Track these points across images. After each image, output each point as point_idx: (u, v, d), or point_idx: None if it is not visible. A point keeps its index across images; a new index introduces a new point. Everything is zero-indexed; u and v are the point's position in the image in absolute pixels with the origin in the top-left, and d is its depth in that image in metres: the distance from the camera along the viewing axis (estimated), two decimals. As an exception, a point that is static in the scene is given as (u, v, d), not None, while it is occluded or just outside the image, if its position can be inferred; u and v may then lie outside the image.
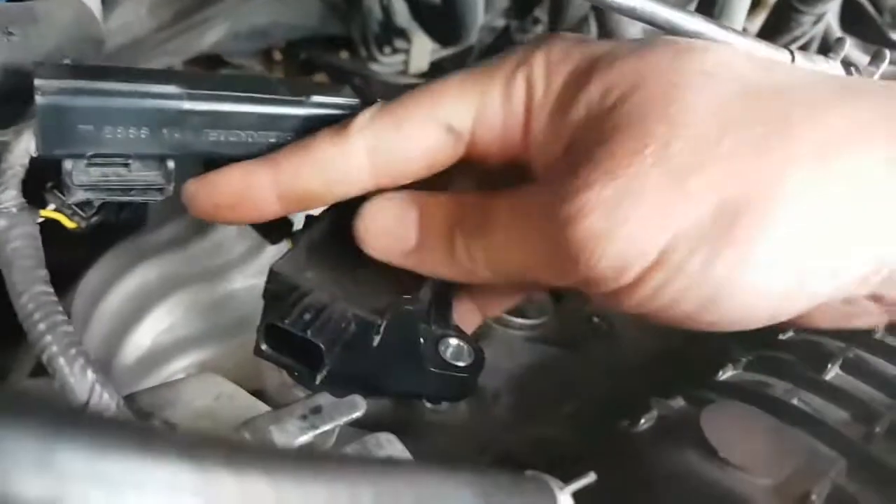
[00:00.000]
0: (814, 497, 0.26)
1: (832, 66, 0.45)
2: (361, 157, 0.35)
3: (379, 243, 0.35)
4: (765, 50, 0.39)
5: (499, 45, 0.93)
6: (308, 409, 0.31)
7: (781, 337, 0.38)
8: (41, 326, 0.33)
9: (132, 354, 0.56)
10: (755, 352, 0.36)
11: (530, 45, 0.34)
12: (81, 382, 0.33)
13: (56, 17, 0.42)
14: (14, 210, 0.35)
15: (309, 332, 0.32)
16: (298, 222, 0.41)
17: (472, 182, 0.39)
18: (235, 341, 0.56)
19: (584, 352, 0.51)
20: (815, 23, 0.78)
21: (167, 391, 0.38)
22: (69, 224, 0.39)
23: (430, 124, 0.34)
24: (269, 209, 0.36)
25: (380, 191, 0.37)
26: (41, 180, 0.39)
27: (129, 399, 0.37)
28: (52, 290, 0.34)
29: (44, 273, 0.35)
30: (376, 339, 0.34)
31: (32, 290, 0.33)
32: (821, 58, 0.43)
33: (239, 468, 0.13)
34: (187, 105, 0.35)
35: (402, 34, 0.91)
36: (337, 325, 0.33)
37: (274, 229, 0.43)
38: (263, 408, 0.37)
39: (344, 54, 0.98)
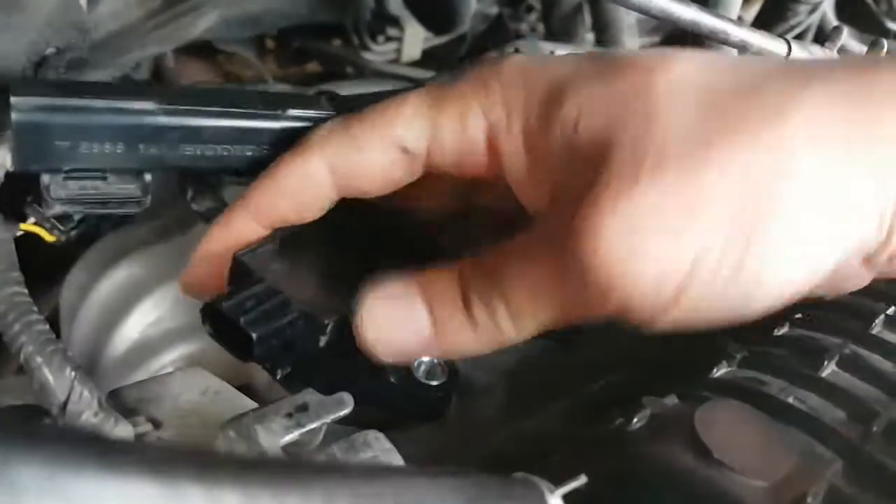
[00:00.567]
0: (810, 499, 0.26)
1: (828, 56, 0.44)
2: (323, 174, 0.35)
3: (389, 338, 0.33)
4: (760, 40, 0.38)
5: (492, 33, 0.92)
6: (294, 406, 0.31)
7: (776, 332, 0.37)
8: (16, 326, 0.32)
9: (120, 348, 0.55)
10: (750, 348, 0.36)
11: (485, 69, 0.34)
12: (60, 380, 0.32)
13: (40, 5, 0.41)
14: None
15: (242, 320, 0.32)
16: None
17: (444, 190, 0.39)
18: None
19: (579, 346, 0.50)
20: (811, 12, 0.77)
21: (153, 386, 0.37)
22: (49, 238, 0.39)
23: (386, 144, 0.34)
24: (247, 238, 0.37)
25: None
26: (21, 194, 0.39)
27: (114, 395, 0.36)
28: (26, 291, 0.34)
29: (17, 275, 0.34)
30: (322, 340, 0.33)
31: (4, 292, 0.33)
32: (816, 47, 0.43)
33: (207, 481, 0.12)
34: (163, 120, 0.36)
35: (395, 22, 0.90)
36: (279, 318, 0.33)
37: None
38: (249, 403, 0.36)
39: (336, 42, 0.97)
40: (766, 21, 0.81)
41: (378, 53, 0.93)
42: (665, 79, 0.30)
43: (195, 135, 0.36)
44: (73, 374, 0.32)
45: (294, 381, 0.35)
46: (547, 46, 0.64)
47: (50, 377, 0.32)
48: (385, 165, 0.35)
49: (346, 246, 0.38)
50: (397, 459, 0.30)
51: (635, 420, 0.30)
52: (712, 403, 0.29)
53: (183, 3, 0.82)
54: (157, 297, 0.56)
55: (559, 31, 0.85)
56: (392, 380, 0.36)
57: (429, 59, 0.93)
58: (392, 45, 0.93)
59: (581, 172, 0.30)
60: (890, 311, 0.38)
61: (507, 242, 0.32)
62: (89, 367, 0.56)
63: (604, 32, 0.78)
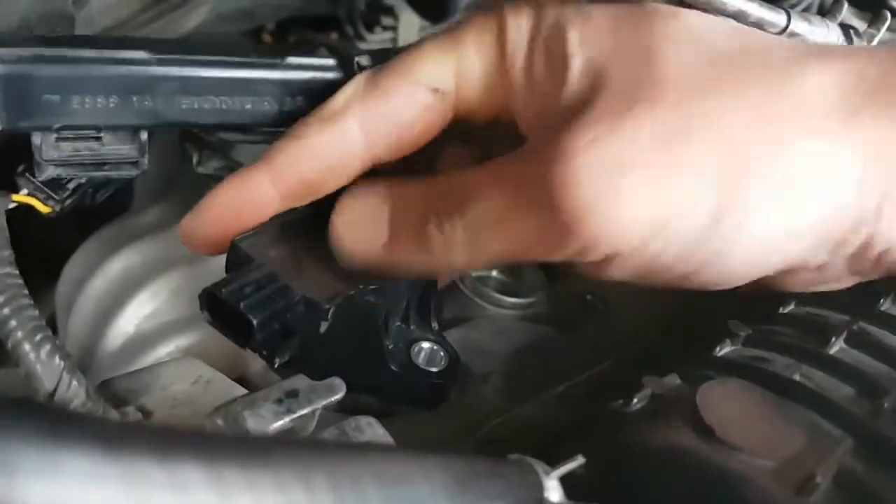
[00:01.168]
0: (818, 479, 0.25)
1: (830, 29, 0.43)
2: (355, 133, 0.34)
3: (351, 240, 0.34)
4: (758, 9, 0.37)
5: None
6: (283, 392, 0.30)
7: (782, 310, 0.36)
8: (6, 310, 0.31)
9: (116, 340, 0.55)
10: (754, 326, 0.35)
11: (497, 5, 0.34)
12: (48, 370, 0.31)
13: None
14: None
15: (242, 305, 0.31)
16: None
17: (467, 155, 0.38)
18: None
19: (578, 331, 0.49)
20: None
21: (144, 376, 0.37)
22: (43, 209, 0.38)
23: (416, 88, 0.34)
24: (271, 210, 0.35)
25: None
26: (12, 165, 0.38)
27: (105, 385, 0.36)
28: (17, 272, 0.33)
29: (8, 254, 0.33)
30: (324, 326, 0.33)
31: None
32: (818, 18, 0.42)
33: (168, 456, 0.12)
34: (157, 70, 0.34)
35: (389, 11, 0.89)
36: (279, 303, 0.32)
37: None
38: (241, 392, 0.36)
39: (333, 34, 0.96)
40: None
41: (374, 44, 0.92)
42: (671, 22, 0.30)
43: (192, 86, 0.35)
44: (61, 363, 0.31)
45: (292, 369, 0.34)
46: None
47: (38, 366, 0.31)
48: (418, 110, 0.34)
49: None
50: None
51: (635, 401, 0.29)
52: (715, 382, 0.29)
53: (172, -3, 0.81)
54: (153, 289, 0.55)
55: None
56: (393, 367, 0.35)
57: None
58: (387, 35, 0.92)
59: (573, 101, 0.30)
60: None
61: (483, 164, 0.32)
62: (86, 360, 0.55)
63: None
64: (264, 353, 0.35)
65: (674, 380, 0.30)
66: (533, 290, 0.53)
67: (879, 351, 0.32)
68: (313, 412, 0.30)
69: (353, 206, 0.34)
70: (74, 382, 0.31)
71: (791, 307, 0.37)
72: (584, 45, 0.31)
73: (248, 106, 0.36)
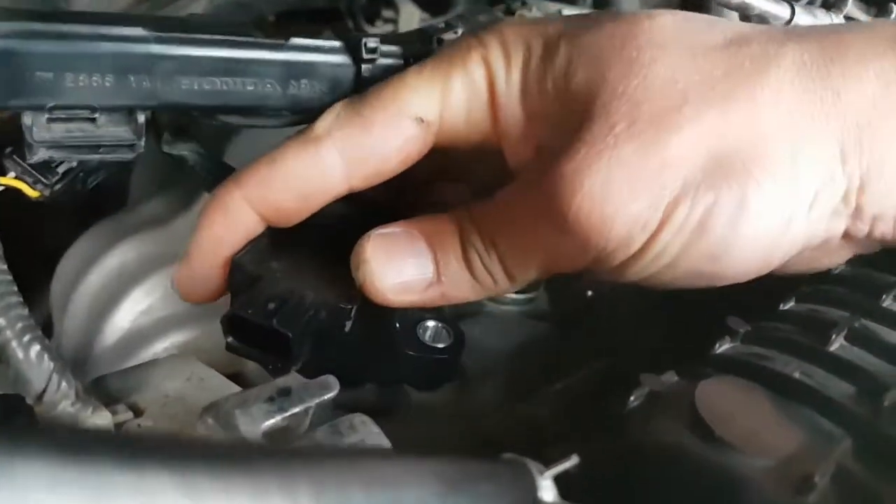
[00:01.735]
0: (817, 478, 0.24)
1: (835, 20, 0.43)
2: (334, 161, 0.34)
3: (395, 285, 0.33)
4: (762, 2, 0.37)
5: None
6: (276, 391, 0.29)
7: (782, 307, 0.36)
8: None
9: (112, 337, 0.54)
10: (754, 323, 0.34)
11: (483, 30, 0.34)
12: (38, 371, 0.31)
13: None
14: None
15: (275, 322, 0.30)
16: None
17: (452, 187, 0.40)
18: (215, 322, 0.54)
19: (578, 327, 0.49)
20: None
21: (137, 374, 0.36)
22: (31, 193, 0.36)
23: (400, 119, 0.34)
24: (253, 232, 0.35)
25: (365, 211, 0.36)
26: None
27: (97, 382, 0.35)
28: (6, 267, 0.32)
29: None
30: (348, 325, 0.32)
31: None
32: (822, 11, 0.41)
33: (136, 464, 0.11)
34: (155, 49, 0.33)
35: (390, 4, 0.88)
36: (305, 313, 0.32)
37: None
38: (235, 389, 0.35)
39: (334, 24, 0.95)
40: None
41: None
42: (650, 29, 0.31)
43: (192, 65, 0.33)
44: (51, 364, 0.31)
45: (311, 371, 0.34)
46: (552, 6, 0.63)
47: (27, 367, 0.31)
48: (401, 141, 0.34)
49: (335, 237, 0.37)
50: (384, 443, 0.28)
51: (632, 398, 0.28)
52: (713, 380, 0.28)
53: (173, -12, 0.81)
54: (148, 285, 0.55)
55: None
56: (402, 348, 0.34)
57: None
58: (388, 28, 0.91)
59: (567, 125, 0.31)
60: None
61: (497, 194, 0.33)
62: (82, 357, 0.55)
63: (604, 2, 0.76)
64: (280, 366, 0.33)
65: (671, 377, 0.30)
66: (533, 286, 0.52)
67: (880, 348, 0.32)
68: (306, 410, 0.30)
69: (391, 244, 0.33)
70: (64, 384, 0.31)
71: (791, 304, 0.36)
72: (571, 70, 0.32)
73: (251, 88, 0.35)
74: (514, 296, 0.52)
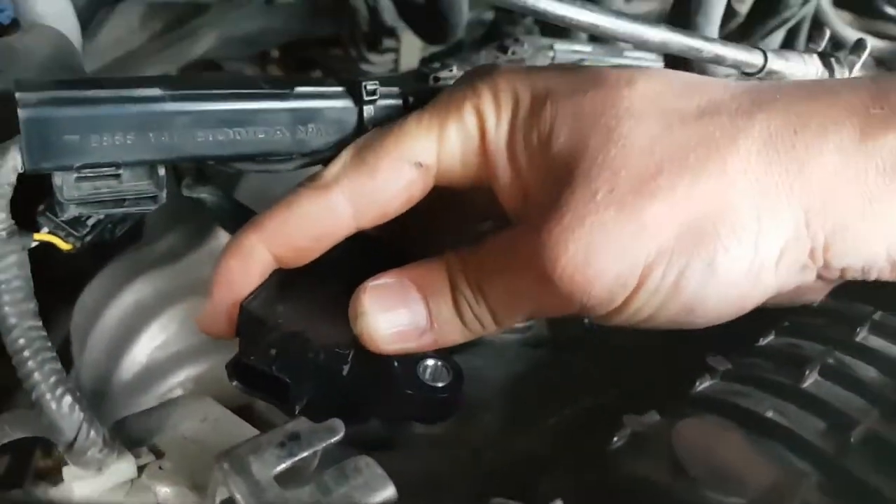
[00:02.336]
0: (782, 514, 0.26)
1: (808, 63, 0.45)
2: (343, 205, 0.37)
3: (391, 335, 0.35)
4: (734, 52, 0.39)
5: (489, 39, 0.93)
6: (286, 436, 0.31)
7: (761, 342, 0.38)
8: (31, 364, 0.33)
9: (129, 372, 0.57)
10: (734, 360, 0.36)
11: (477, 75, 0.37)
12: (69, 421, 0.33)
13: (35, 51, 0.42)
14: (3, 235, 0.34)
15: (274, 368, 0.33)
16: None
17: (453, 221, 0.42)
18: (227, 356, 0.56)
19: (576, 354, 0.51)
20: (804, 3, 0.77)
21: (155, 415, 0.39)
22: (64, 246, 0.39)
23: (401, 164, 0.36)
24: (267, 272, 0.38)
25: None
26: (33, 204, 0.39)
27: (120, 425, 0.38)
28: (41, 323, 0.34)
29: (33, 305, 0.34)
30: (345, 369, 0.34)
31: (23, 325, 0.33)
32: (794, 54, 0.43)
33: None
34: (170, 106, 0.35)
35: (391, 33, 0.91)
36: (304, 357, 0.34)
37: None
38: (248, 429, 0.38)
39: (337, 53, 0.98)
40: (760, 15, 0.81)
41: (376, 65, 0.94)
42: (629, 97, 0.34)
43: (205, 119, 0.36)
44: (81, 414, 0.33)
45: (315, 410, 0.36)
46: (546, 41, 0.65)
47: (59, 417, 0.33)
48: (403, 184, 0.37)
49: (340, 278, 0.39)
50: (388, 485, 0.31)
51: (615, 439, 0.30)
52: (690, 420, 0.30)
53: (183, 26, 0.83)
54: (164, 320, 0.57)
55: (555, 34, 0.85)
56: (402, 388, 0.36)
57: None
58: (390, 56, 0.94)
59: (551, 183, 0.34)
60: (877, 315, 0.39)
61: (487, 240, 0.35)
62: (101, 391, 0.58)
63: (598, 40, 0.78)
64: (297, 405, 0.35)
65: (653, 417, 0.32)
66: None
67: (853, 382, 0.34)
68: (314, 453, 0.32)
69: (384, 296, 0.35)
70: (93, 432, 0.33)
71: (771, 338, 0.38)
72: (555, 131, 0.34)
73: (262, 136, 0.37)
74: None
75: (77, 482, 0.34)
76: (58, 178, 0.35)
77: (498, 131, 0.36)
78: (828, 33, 0.49)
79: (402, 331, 0.35)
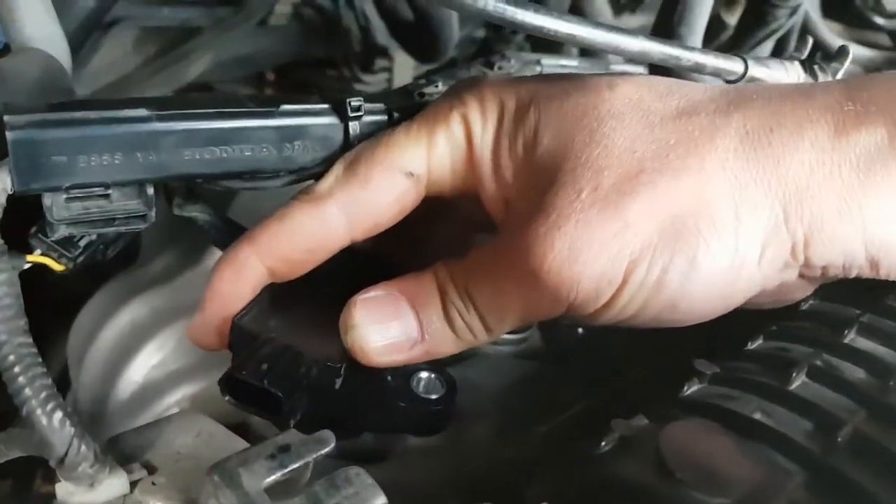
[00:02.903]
0: (769, 514, 0.26)
1: (790, 70, 0.45)
2: (337, 217, 0.37)
3: (382, 347, 0.35)
4: (714, 61, 0.39)
5: (480, 56, 0.94)
6: (276, 447, 0.32)
7: (749, 346, 0.38)
8: (21, 380, 0.33)
9: (125, 392, 0.57)
10: (721, 363, 0.36)
11: (464, 86, 0.38)
12: (60, 437, 0.33)
13: (24, 73, 0.43)
14: None
15: (266, 382, 0.33)
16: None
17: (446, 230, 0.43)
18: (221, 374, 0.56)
19: (569, 366, 0.51)
20: (791, 14, 0.78)
21: (148, 432, 0.39)
22: (57, 267, 0.39)
23: (393, 174, 0.37)
24: (260, 286, 0.38)
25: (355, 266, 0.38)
26: (24, 227, 0.39)
27: (113, 442, 0.38)
28: (31, 341, 0.35)
29: (23, 323, 0.34)
30: (338, 382, 0.35)
31: (13, 342, 0.33)
32: (775, 61, 0.44)
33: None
34: (157, 126, 0.36)
35: (384, 54, 0.92)
36: (296, 372, 0.34)
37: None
38: (242, 444, 0.38)
39: (331, 73, 0.99)
40: (748, 26, 0.82)
41: (370, 84, 0.95)
42: (611, 99, 0.35)
43: (192, 138, 0.36)
44: (72, 429, 0.33)
45: (309, 424, 0.36)
46: (533, 56, 0.66)
47: (49, 433, 0.33)
48: (395, 194, 0.37)
49: (332, 292, 0.40)
50: (378, 495, 0.31)
51: (603, 443, 0.31)
52: (677, 423, 0.30)
53: (176, 49, 0.84)
54: (159, 340, 0.58)
55: (546, 51, 0.86)
56: (396, 401, 0.37)
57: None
58: (383, 76, 0.95)
59: (534, 189, 0.34)
60: (864, 318, 0.39)
61: (474, 250, 0.36)
62: (98, 412, 0.58)
63: (585, 54, 0.79)
64: (290, 419, 0.35)
65: (640, 420, 0.32)
66: (525, 326, 0.55)
67: (840, 383, 0.34)
68: (306, 464, 0.32)
69: (374, 309, 0.35)
70: (84, 447, 0.33)
71: (759, 342, 0.38)
72: (539, 136, 0.35)
73: (248, 153, 0.38)
74: (507, 336, 0.54)
75: (70, 498, 0.34)
76: (47, 199, 0.35)
77: (484, 138, 0.37)
78: (811, 41, 0.49)
79: (394, 343, 0.35)
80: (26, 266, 0.38)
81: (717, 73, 0.40)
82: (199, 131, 0.37)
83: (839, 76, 0.51)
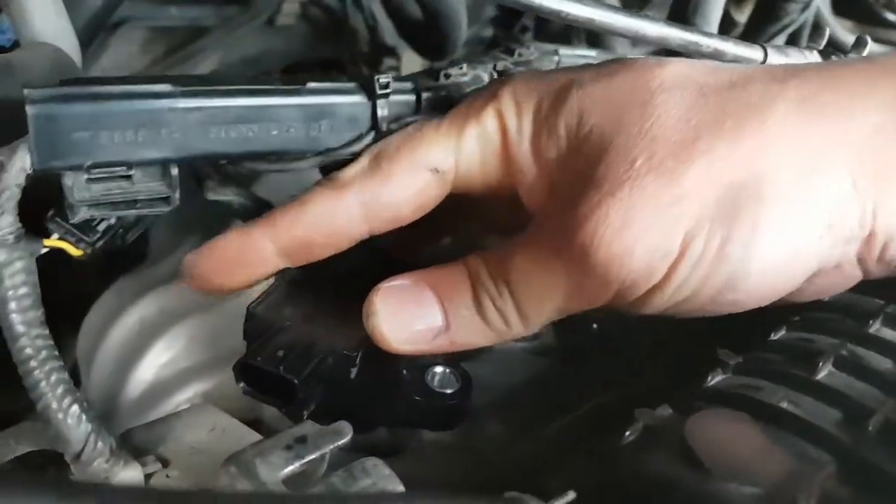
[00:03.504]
0: (801, 503, 0.26)
1: (809, 58, 0.45)
2: (355, 210, 0.37)
3: (403, 337, 0.35)
4: (734, 48, 0.39)
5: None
6: (293, 439, 0.31)
7: (773, 337, 0.37)
8: (37, 373, 0.32)
9: (136, 390, 0.56)
10: (745, 354, 0.36)
11: (496, 82, 0.37)
12: (76, 432, 0.33)
13: (33, 66, 0.42)
14: (11, 239, 0.33)
15: (281, 369, 0.32)
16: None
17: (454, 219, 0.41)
18: (234, 371, 0.56)
19: (584, 362, 0.50)
20: (803, 10, 0.77)
21: (162, 426, 0.38)
22: (75, 252, 0.37)
23: (418, 170, 0.36)
24: (270, 267, 0.37)
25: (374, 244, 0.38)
26: (42, 209, 0.38)
27: (126, 436, 0.38)
28: (48, 331, 0.34)
29: (40, 313, 0.34)
30: (353, 372, 0.34)
31: (31, 334, 0.33)
32: (794, 50, 0.43)
33: None
34: (182, 102, 0.34)
35: (392, 53, 0.91)
36: (311, 360, 0.34)
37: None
38: (255, 437, 0.37)
39: (339, 73, 0.99)
40: (760, 22, 0.82)
41: (378, 84, 0.94)
42: (661, 75, 0.33)
43: (217, 115, 0.35)
44: (89, 425, 0.33)
45: (323, 416, 0.35)
46: (550, 47, 0.65)
47: (66, 429, 0.32)
48: (418, 190, 0.36)
49: (348, 286, 0.39)
50: (397, 486, 0.30)
51: (627, 433, 0.30)
52: (703, 413, 0.30)
53: (184, 49, 0.84)
54: (170, 337, 0.57)
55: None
56: (411, 395, 0.36)
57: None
58: (391, 76, 0.95)
59: (581, 168, 0.33)
60: (889, 308, 0.38)
61: (512, 238, 0.34)
62: (109, 409, 0.57)
63: (597, 47, 0.78)
64: (305, 409, 0.35)
65: (665, 411, 0.31)
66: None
67: (868, 373, 0.33)
68: (323, 456, 0.32)
69: (397, 297, 0.35)
70: (100, 443, 0.33)
71: (782, 332, 0.38)
72: (584, 117, 0.33)
73: (274, 132, 0.36)
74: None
75: (83, 492, 0.34)
76: (68, 179, 0.34)
77: (521, 131, 0.36)
78: (828, 31, 0.49)
79: (416, 332, 0.34)
80: (44, 250, 0.36)
81: (736, 61, 0.40)
82: (225, 108, 0.35)
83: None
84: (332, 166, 0.41)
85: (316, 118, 0.37)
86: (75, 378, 0.63)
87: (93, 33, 0.62)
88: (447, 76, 0.40)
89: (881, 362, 0.35)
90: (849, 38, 0.93)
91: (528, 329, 0.34)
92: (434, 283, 0.35)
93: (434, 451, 0.40)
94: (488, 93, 0.37)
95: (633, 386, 0.44)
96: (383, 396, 0.37)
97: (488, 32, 0.95)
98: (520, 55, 0.51)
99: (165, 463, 0.36)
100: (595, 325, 0.53)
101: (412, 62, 0.93)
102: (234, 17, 0.83)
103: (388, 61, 0.92)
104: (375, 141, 0.38)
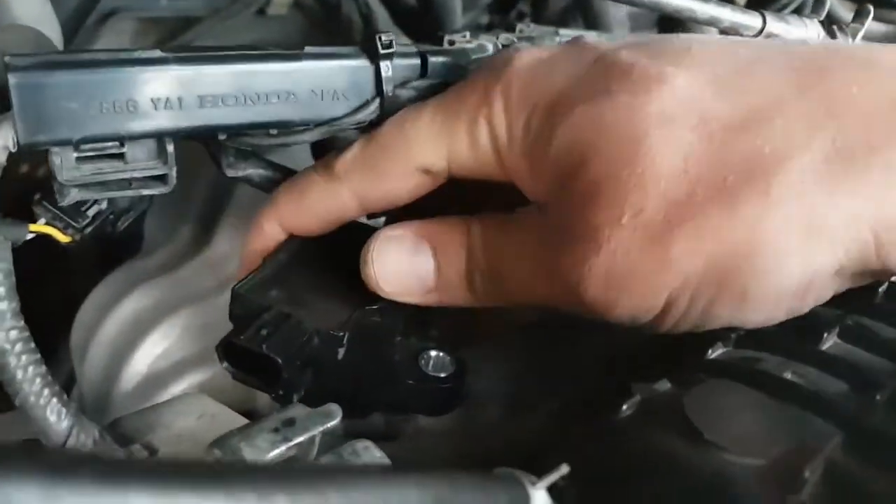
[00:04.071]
0: (807, 474, 0.25)
1: (809, 27, 0.43)
2: (348, 198, 0.37)
3: (394, 286, 0.35)
4: (731, 14, 0.38)
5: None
6: (280, 421, 0.30)
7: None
8: (14, 368, 0.31)
9: (130, 382, 0.56)
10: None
11: (491, 75, 0.34)
12: (57, 427, 0.32)
13: (10, 49, 0.41)
14: None
15: (264, 347, 0.31)
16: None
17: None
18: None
19: (582, 335, 0.49)
20: (804, -12, 0.76)
21: (151, 414, 0.38)
22: (62, 238, 0.36)
23: (408, 170, 0.36)
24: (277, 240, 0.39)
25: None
26: (29, 194, 0.36)
27: (114, 425, 0.37)
28: (23, 324, 0.33)
29: (14, 305, 0.32)
30: (341, 353, 0.33)
31: (4, 326, 0.31)
32: (795, 17, 0.42)
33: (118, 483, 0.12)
34: (177, 69, 0.32)
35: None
36: (297, 339, 0.33)
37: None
38: (244, 423, 0.36)
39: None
40: (759, 2, 0.80)
41: (373, 72, 0.93)
42: (660, 98, 0.30)
43: (214, 83, 0.33)
44: (70, 420, 0.32)
45: (315, 401, 0.34)
46: (550, 28, 0.64)
47: (47, 422, 0.32)
48: (409, 186, 0.37)
49: (336, 263, 0.38)
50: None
51: (625, 407, 0.29)
52: (705, 385, 0.29)
53: (173, 40, 0.83)
54: (163, 329, 0.56)
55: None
56: (404, 379, 0.36)
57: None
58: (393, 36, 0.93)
59: (571, 203, 0.31)
60: (893, 278, 0.37)
61: (514, 218, 0.34)
62: (103, 404, 0.56)
63: (595, 29, 0.77)
64: (281, 393, 0.34)
65: (664, 385, 0.30)
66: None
67: (874, 343, 0.32)
68: (312, 439, 0.31)
69: (394, 243, 0.35)
70: (83, 436, 0.32)
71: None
72: (575, 147, 0.31)
73: (275, 101, 0.35)
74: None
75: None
76: (56, 157, 0.31)
77: (511, 145, 0.34)
78: (829, 3, 0.47)
79: (407, 285, 0.35)
80: (29, 236, 0.34)
81: (733, 29, 0.39)
82: (222, 76, 0.33)
83: (859, 37, 0.49)
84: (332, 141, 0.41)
85: (318, 83, 0.35)
86: (74, 378, 0.62)
87: (77, 23, 0.61)
88: (451, 42, 0.39)
89: (888, 332, 0.33)
90: (849, 16, 0.91)
91: (511, 304, 0.35)
92: (433, 241, 0.35)
93: (429, 436, 0.39)
94: (482, 90, 0.35)
95: (632, 357, 0.43)
96: (376, 380, 0.36)
97: (484, 19, 0.94)
98: (521, 31, 0.49)
99: (152, 451, 0.35)
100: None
101: (407, 50, 0.91)
102: (224, 8, 0.81)
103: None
104: (381, 108, 0.37)
